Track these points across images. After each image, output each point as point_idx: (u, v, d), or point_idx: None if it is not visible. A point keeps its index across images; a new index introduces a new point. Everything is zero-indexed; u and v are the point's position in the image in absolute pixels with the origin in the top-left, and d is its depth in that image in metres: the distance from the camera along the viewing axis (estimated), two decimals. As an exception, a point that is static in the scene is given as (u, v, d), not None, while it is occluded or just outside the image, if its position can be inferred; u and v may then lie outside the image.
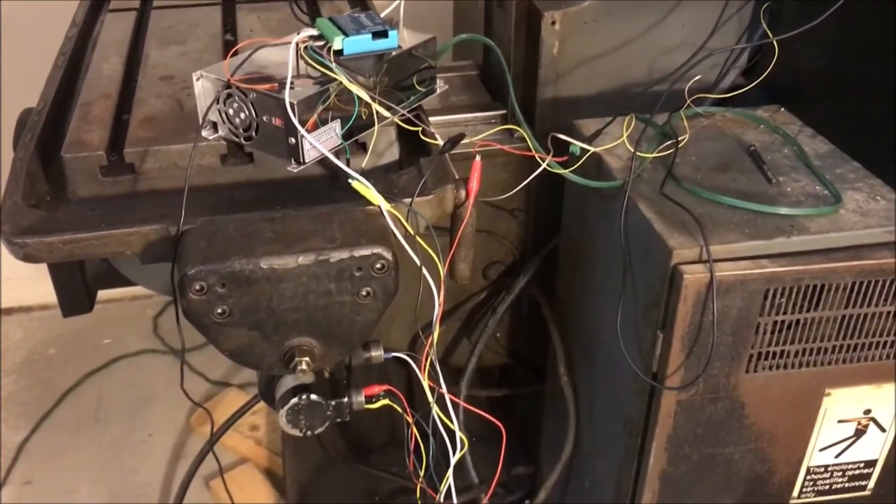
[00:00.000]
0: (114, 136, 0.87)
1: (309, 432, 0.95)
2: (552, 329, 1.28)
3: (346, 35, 0.82)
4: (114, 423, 1.99)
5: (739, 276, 0.89)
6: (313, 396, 0.93)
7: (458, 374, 1.34)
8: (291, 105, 0.76)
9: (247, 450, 1.88)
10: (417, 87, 0.91)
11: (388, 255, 0.77)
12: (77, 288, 1.19)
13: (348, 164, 0.84)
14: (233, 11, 1.17)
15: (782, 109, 1.17)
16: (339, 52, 0.82)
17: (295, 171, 0.80)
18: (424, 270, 0.81)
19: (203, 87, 0.82)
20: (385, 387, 0.97)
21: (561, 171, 0.99)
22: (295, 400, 0.92)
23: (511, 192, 1.01)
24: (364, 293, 0.78)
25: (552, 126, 1.23)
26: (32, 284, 1.97)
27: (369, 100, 0.81)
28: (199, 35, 1.09)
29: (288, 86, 0.76)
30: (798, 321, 0.93)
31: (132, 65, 1.04)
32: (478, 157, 0.87)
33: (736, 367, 0.95)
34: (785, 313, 0.92)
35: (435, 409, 0.87)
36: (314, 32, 0.84)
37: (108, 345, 2.20)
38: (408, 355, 0.99)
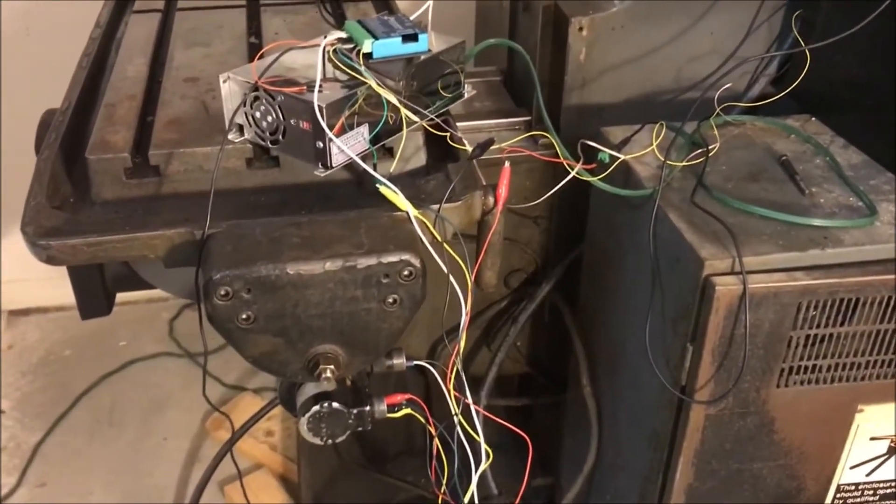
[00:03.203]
0: (138, 137, 0.86)
1: (330, 441, 0.93)
2: (575, 338, 1.26)
3: (376, 38, 0.80)
4: (128, 426, 1.98)
5: (772, 288, 0.87)
6: (335, 404, 0.91)
7: (477, 382, 1.33)
8: (320, 108, 0.75)
9: (261, 455, 1.87)
10: (444, 92, 0.90)
11: (416, 262, 0.75)
12: (96, 290, 1.18)
13: (375, 170, 0.82)
14: (257, 14, 1.16)
15: (813, 119, 1.15)
16: (368, 56, 0.80)
17: (322, 175, 0.78)
18: (451, 278, 0.80)
19: (230, 90, 0.81)
20: (407, 396, 0.96)
21: (590, 179, 0.98)
22: (316, 408, 0.91)
23: (539, 200, 0.99)
24: (391, 300, 0.77)
25: (577, 133, 1.21)
26: (49, 285, 1.96)
27: (398, 104, 0.80)
28: (223, 37, 1.09)
29: (317, 89, 0.75)
30: (831, 335, 0.91)
31: (156, 66, 1.03)
32: (507, 164, 0.85)
33: (767, 381, 0.92)
34: (818, 327, 0.89)
35: (460, 422, 0.85)
36: (343, 35, 0.83)
37: (123, 347, 2.19)
38: (429, 363, 0.97)
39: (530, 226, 1.33)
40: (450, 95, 0.91)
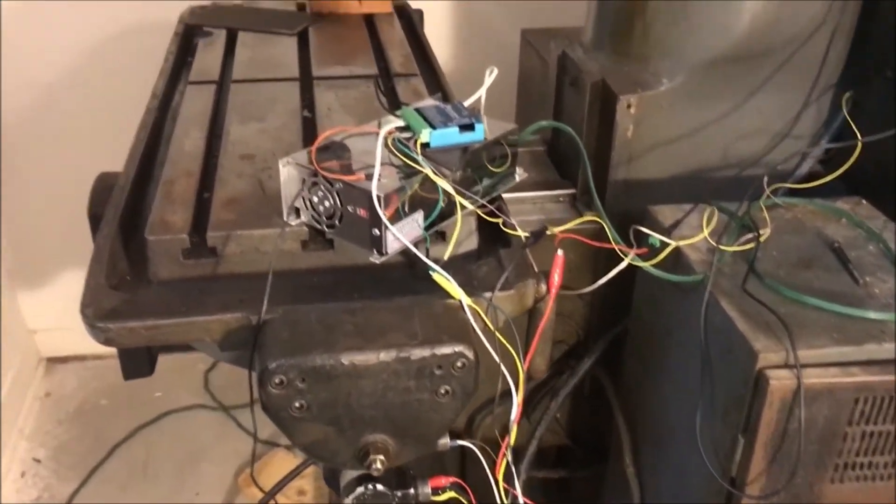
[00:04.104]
0: (196, 216, 0.87)
1: (373, 523, 0.93)
2: (618, 415, 1.25)
3: (434, 128, 0.82)
4: (162, 480, 1.98)
5: (828, 384, 0.86)
6: (379, 486, 0.91)
7: (515, 453, 1.31)
8: (378, 198, 0.75)
9: (293, 514, 1.86)
10: (496, 173, 0.91)
11: (470, 354, 0.75)
12: (140, 352, 1.19)
13: (428, 254, 0.83)
14: (310, 88, 1.18)
15: (864, 202, 1.14)
16: (425, 145, 0.81)
17: (377, 262, 0.79)
18: (504, 368, 0.80)
19: (288, 174, 0.82)
20: (452, 479, 0.95)
21: (642, 265, 0.97)
22: (361, 489, 0.91)
23: (591, 288, 0.99)
24: (443, 391, 0.76)
25: (624, 207, 1.22)
26: (87, 334, 1.98)
27: (454, 193, 0.81)
28: (277, 111, 1.10)
29: (375, 178, 0.76)
30: (889, 431, 0.89)
31: (213, 139, 1.04)
32: (559, 252, 0.85)
33: (821, 476, 0.90)
34: (875, 423, 0.88)
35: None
36: (400, 123, 0.85)
37: (158, 398, 2.20)
38: (474, 444, 0.96)
39: (573, 298, 1.32)
40: (501, 172, 0.91)
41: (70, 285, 2.24)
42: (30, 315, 2.29)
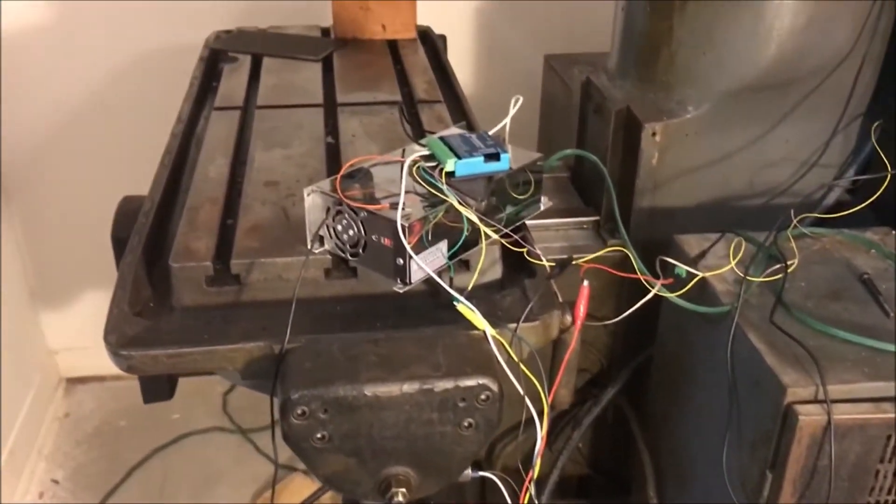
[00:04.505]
0: (220, 244, 0.87)
1: (393, 555, 0.91)
2: (641, 447, 1.23)
3: (459, 157, 0.81)
4: (179, 502, 1.97)
5: (859, 420, 0.84)
6: (400, 518, 0.89)
7: (537, 483, 1.29)
8: (403, 227, 0.75)
9: (310, 540, 1.84)
10: (521, 201, 0.90)
11: (494, 387, 0.74)
12: (160, 377, 1.19)
13: (451, 283, 0.82)
14: (334, 114, 1.18)
15: (894, 232, 1.12)
16: (450, 174, 0.81)
17: (401, 291, 0.78)
18: (528, 400, 0.79)
19: (313, 202, 0.82)
20: (474, 511, 0.94)
21: (669, 296, 0.96)
22: (381, 521, 0.89)
23: (617, 319, 0.98)
24: (466, 424, 0.75)
25: (648, 235, 1.21)
26: (107, 354, 1.99)
27: (479, 222, 0.80)
28: (302, 138, 1.11)
29: (400, 208, 0.75)
30: (921, 469, 0.87)
31: (237, 165, 1.05)
32: (585, 283, 0.84)
33: (851, 514, 0.88)
34: (907, 461, 0.86)
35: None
36: (425, 152, 0.84)
37: (177, 420, 2.19)
38: (496, 475, 0.95)
39: (597, 326, 1.31)
40: (525, 200, 0.90)
41: (91, 306, 2.26)
42: (51, 335, 2.30)
